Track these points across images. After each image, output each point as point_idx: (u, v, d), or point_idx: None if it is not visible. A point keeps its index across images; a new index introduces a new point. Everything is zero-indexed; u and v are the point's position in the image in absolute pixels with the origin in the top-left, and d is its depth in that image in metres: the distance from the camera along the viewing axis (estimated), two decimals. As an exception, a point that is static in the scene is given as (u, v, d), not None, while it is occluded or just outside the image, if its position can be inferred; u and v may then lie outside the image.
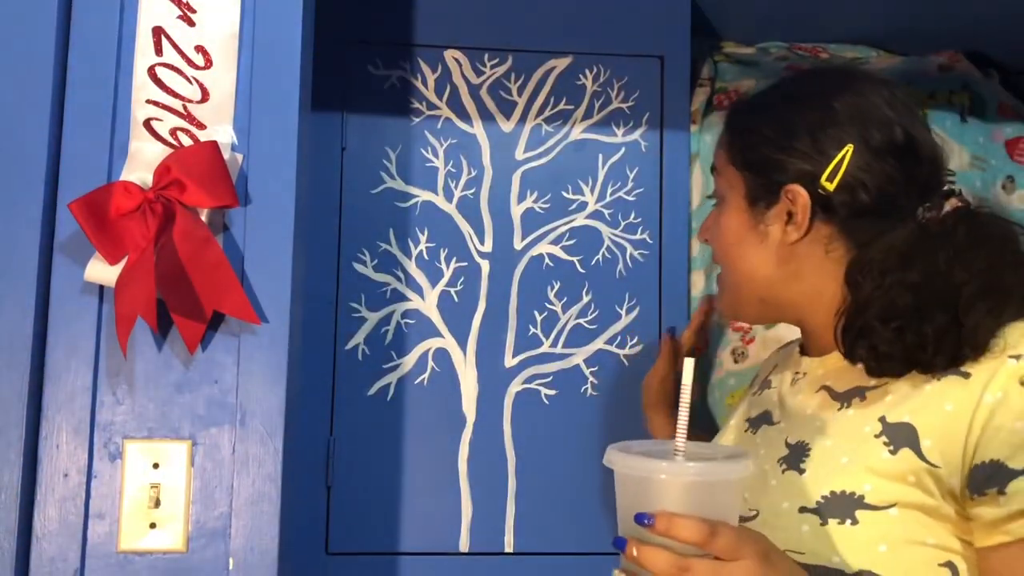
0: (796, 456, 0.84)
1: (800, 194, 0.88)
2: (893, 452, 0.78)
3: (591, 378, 1.39)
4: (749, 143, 0.93)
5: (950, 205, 0.88)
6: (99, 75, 0.96)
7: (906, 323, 0.80)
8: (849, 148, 0.86)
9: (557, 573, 1.34)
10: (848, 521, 0.77)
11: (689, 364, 0.74)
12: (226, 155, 0.94)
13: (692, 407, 0.72)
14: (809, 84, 0.95)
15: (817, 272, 0.90)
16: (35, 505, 0.91)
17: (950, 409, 0.78)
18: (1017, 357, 0.77)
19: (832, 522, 0.78)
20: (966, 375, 0.78)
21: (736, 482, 0.69)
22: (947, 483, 0.77)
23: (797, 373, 0.95)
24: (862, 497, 0.78)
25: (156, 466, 0.92)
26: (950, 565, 0.77)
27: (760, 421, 0.95)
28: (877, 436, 0.80)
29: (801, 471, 0.83)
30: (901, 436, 0.79)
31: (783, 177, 0.89)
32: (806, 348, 0.98)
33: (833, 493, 0.79)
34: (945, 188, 0.89)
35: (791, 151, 0.89)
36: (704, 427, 1.40)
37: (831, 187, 0.86)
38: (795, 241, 0.89)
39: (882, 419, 0.81)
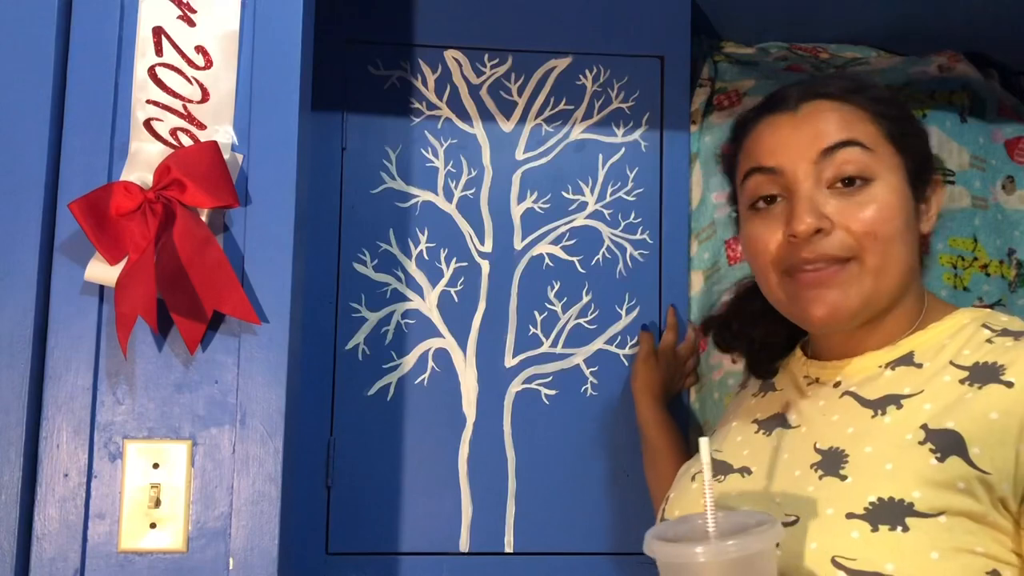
0: (833, 462, 0.83)
1: (941, 185, 0.91)
2: (941, 460, 0.78)
3: (591, 378, 1.39)
4: (906, 126, 0.92)
5: None
6: (99, 75, 0.96)
7: None
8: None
9: (557, 573, 1.34)
10: (899, 528, 0.77)
11: (704, 443, 0.77)
12: (226, 155, 0.94)
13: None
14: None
15: (919, 269, 0.92)
16: (35, 505, 0.91)
17: (995, 417, 0.78)
18: None
19: (883, 528, 0.77)
20: (1009, 384, 0.79)
21: (772, 548, 0.73)
22: (998, 490, 0.77)
23: (807, 377, 0.95)
24: (911, 504, 0.77)
25: (156, 466, 0.92)
26: (995, 574, 0.77)
27: (773, 423, 0.94)
28: (922, 443, 0.80)
29: (843, 477, 0.82)
30: (948, 443, 0.79)
31: (930, 166, 0.92)
32: (816, 352, 0.97)
33: (880, 500, 0.78)
34: None
35: (928, 146, 0.93)
36: (705, 430, 1.40)
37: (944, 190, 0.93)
38: (926, 234, 0.92)
39: (924, 427, 0.80)
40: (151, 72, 0.97)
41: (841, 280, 0.87)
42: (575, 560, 1.35)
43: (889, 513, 0.78)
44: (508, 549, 1.34)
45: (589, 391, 1.38)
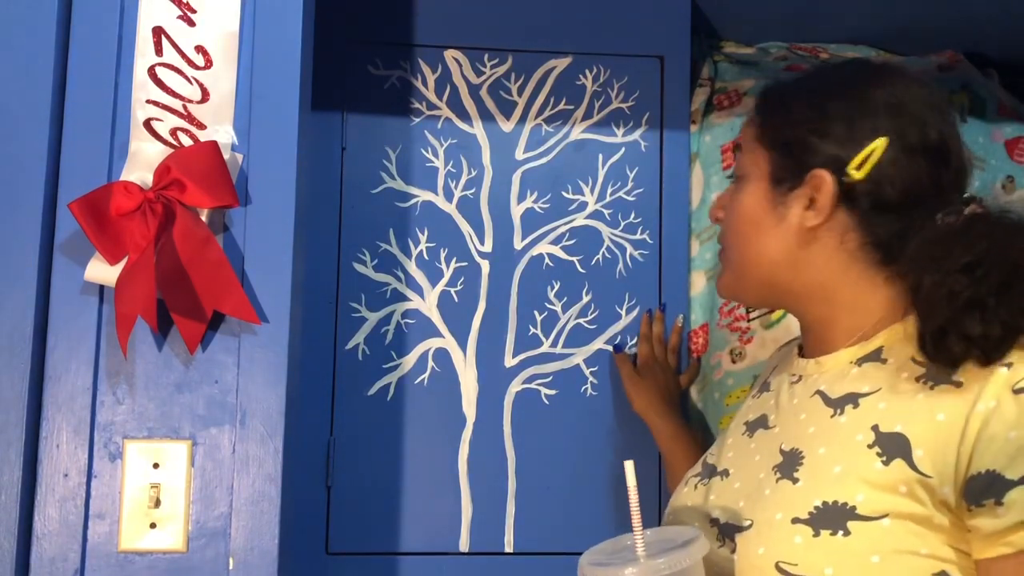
0: (790, 464, 0.84)
1: (825, 179, 0.87)
2: (886, 463, 0.78)
3: (591, 378, 1.39)
4: (782, 122, 0.92)
5: (969, 211, 0.86)
6: (99, 75, 0.96)
7: (997, 300, 0.77)
8: (883, 140, 0.85)
9: (557, 573, 1.34)
10: (840, 532, 0.77)
11: (630, 466, 0.79)
12: (226, 155, 0.94)
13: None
14: (851, 72, 0.94)
15: (828, 262, 0.89)
16: (35, 505, 0.91)
17: (942, 419, 0.77)
18: (1008, 365, 0.76)
19: (824, 533, 0.77)
20: (958, 384, 0.78)
21: (697, 564, 0.76)
22: (939, 493, 0.76)
23: (793, 375, 0.95)
24: (854, 508, 0.77)
25: (156, 466, 0.92)
26: (943, 575, 0.77)
27: (757, 425, 0.94)
28: (870, 446, 0.79)
29: (795, 480, 0.82)
30: (893, 446, 0.78)
31: (812, 160, 0.88)
32: (803, 348, 0.98)
33: (825, 504, 0.79)
34: (966, 196, 0.89)
35: (824, 135, 0.88)
36: (703, 429, 1.40)
37: (859, 176, 0.85)
38: (812, 227, 0.89)
39: (875, 427, 0.80)
40: (151, 72, 0.97)
41: (722, 263, 0.99)
42: (575, 560, 1.34)
43: (832, 517, 0.78)
44: (508, 549, 1.34)
45: (589, 391, 1.38)
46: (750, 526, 0.83)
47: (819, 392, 0.88)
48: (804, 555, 0.78)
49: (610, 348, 1.39)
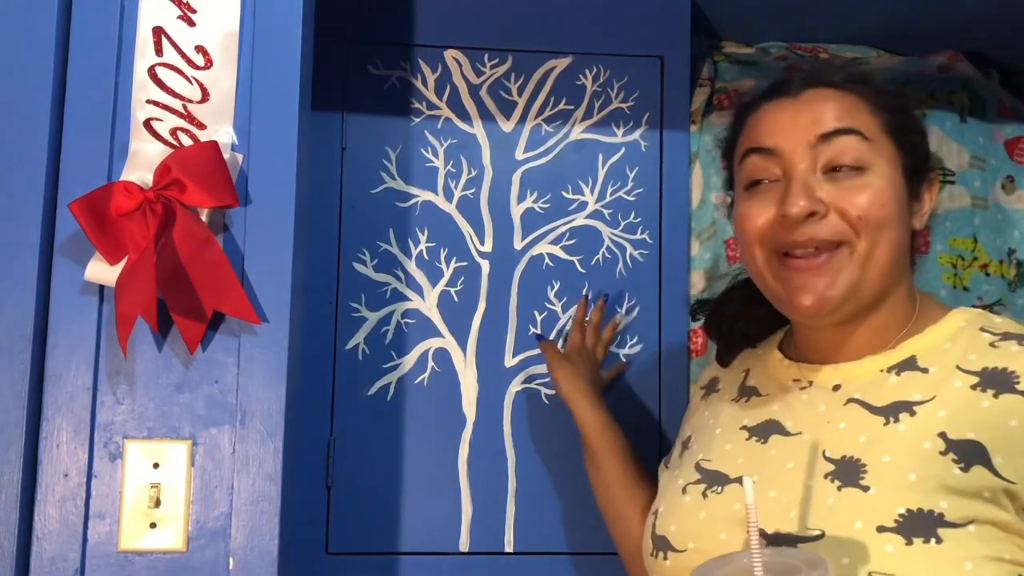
0: (850, 472, 0.82)
1: (936, 183, 0.93)
2: (965, 470, 0.78)
3: (591, 378, 1.38)
4: (906, 122, 0.93)
5: None
6: (99, 75, 0.96)
7: None
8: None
9: (557, 573, 1.34)
10: (933, 540, 0.77)
11: (749, 483, 0.73)
12: (226, 155, 0.94)
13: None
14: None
15: (907, 268, 0.92)
16: (35, 505, 0.91)
17: (1015, 425, 0.79)
18: None
19: (917, 541, 0.77)
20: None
21: None
22: (1022, 499, 0.78)
23: (797, 380, 0.94)
24: (941, 515, 0.77)
25: (156, 466, 0.92)
26: None
27: (767, 430, 0.92)
28: (943, 453, 0.79)
29: (864, 488, 0.80)
30: (970, 453, 0.79)
31: (927, 164, 0.93)
32: (802, 353, 0.96)
33: (910, 511, 0.78)
34: None
35: (927, 144, 0.94)
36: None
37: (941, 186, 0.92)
38: (917, 230, 0.92)
39: (943, 435, 0.80)
40: (151, 72, 0.97)
41: (831, 268, 0.87)
42: (575, 560, 1.35)
43: (921, 525, 0.77)
44: (508, 549, 1.34)
45: (589, 391, 1.38)
46: (820, 536, 0.80)
47: (855, 400, 0.87)
48: (899, 564, 0.77)
49: (611, 348, 1.38)
